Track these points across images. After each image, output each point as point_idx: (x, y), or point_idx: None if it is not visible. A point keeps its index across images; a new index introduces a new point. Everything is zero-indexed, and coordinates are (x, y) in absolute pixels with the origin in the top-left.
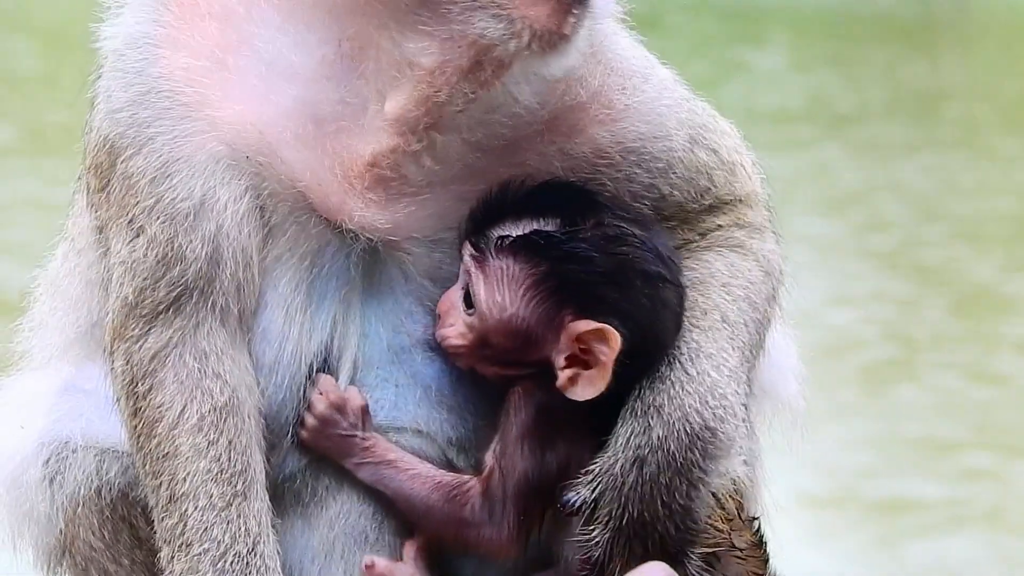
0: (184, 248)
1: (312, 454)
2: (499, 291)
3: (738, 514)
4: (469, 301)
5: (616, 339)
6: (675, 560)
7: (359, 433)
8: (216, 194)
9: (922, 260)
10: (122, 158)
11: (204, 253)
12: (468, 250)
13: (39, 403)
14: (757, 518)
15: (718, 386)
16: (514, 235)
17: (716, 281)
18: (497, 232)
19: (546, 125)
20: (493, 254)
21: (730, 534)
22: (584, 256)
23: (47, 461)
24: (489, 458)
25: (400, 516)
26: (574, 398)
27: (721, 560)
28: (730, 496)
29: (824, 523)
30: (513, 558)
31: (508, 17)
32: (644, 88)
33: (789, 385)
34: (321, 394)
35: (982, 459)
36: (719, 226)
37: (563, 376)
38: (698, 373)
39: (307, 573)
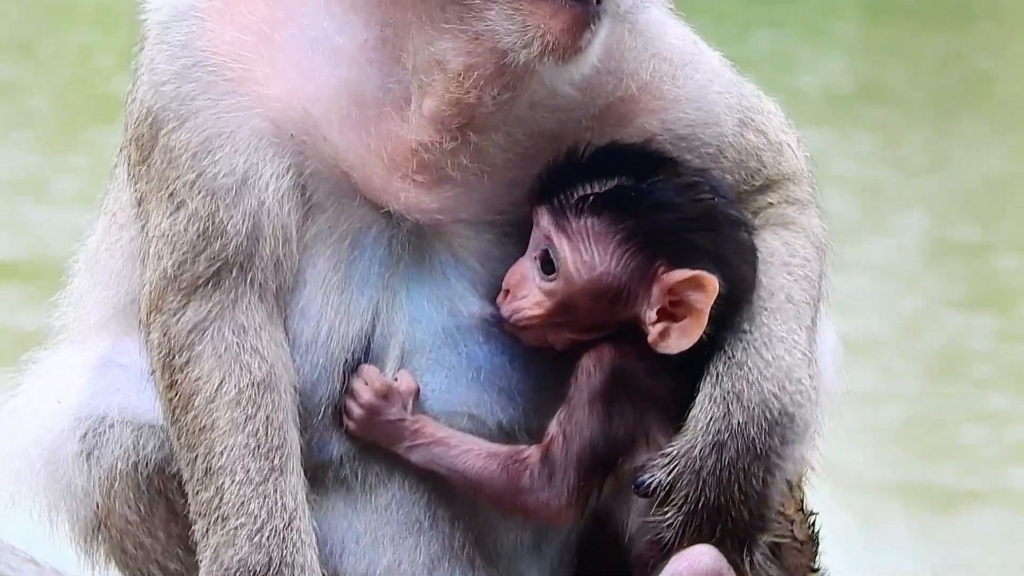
0: (225, 223)
1: (360, 442)
2: (586, 250)
3: (802, 504)
4: (548, 268)
5: (713, 284)
6: (744, 547)
7: (407, 417)
8: (259, 170)
9: None
10: (164, 131)
11: (245, 229)
12: (546, 215)
13: (76, 377)
14: (816, 512)
15: (793, 370)
16: (597, 192)
17: (776, 260)
18: (576, 193)
19: (595, 118)
20: (576, 214)
21: (793, 524)
22: (672, 204)
23: (84, 436)
24: (554, 425)
25: (453, 504)
26: (667, 351)
27: (782, 550)
28: (798, 485)
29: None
30: (569, 525)
31: (523, 24)
32: (694, 76)
33: (827, 366)
34: (366, 384)
35: None
36: (770, 203)
37: (654, 331)
38: (774, 358)
39: (351, 554)
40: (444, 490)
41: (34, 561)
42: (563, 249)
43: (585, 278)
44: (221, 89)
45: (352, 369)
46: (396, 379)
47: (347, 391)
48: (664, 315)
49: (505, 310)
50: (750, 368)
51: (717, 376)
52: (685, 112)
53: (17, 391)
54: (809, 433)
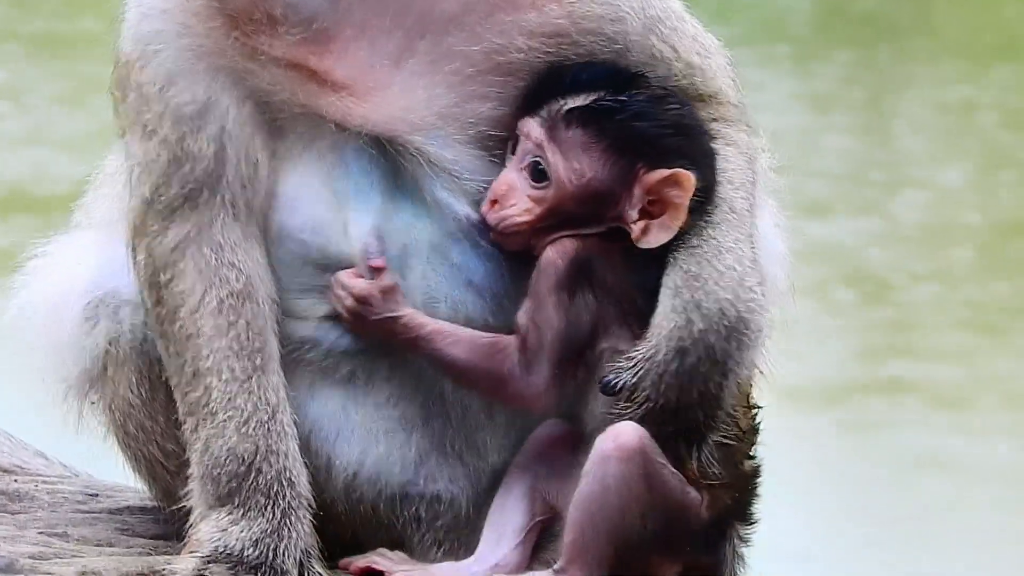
0: (192, 147)
1: (369, 341)
2: (576, 159)
3: (747, 399)
4: (539, 176)
5: (691, 180)
6: (693, 445)
7: (395, 312)
8: (218, 98)
9: None
10: (135, 69)
11: (211, 152)
12: (535, 128)
13: (95, 253)
14: (760, 406)
15: (744, 279)
16: (581, 105)
17: None
18: (563, 107)
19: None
20: (565, 126)
21: (738, 419)
22: (648, 113)
23: (98, 300)
24: (522, 316)
25: (445, 404)
26: (648, 246)
27: (725, 446)
28: (747, 386)
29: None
30: (547, 411)
31: None
32: None
33: (777, 270)
34: (344, 291)
35: None
36: None
37: (636, 228)
38: (725, 268)
39: (345, 442)
40: (439, 390)
41: (43, 455)
42: (555, 159)
43: (575, 184)
44: (172, 31)
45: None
46: (383, 279)
47: (333, 297)
48: (644, 213)
49: (492, 218)
50: (705, 279)
51: (675, 288)
52: (589, 5)
53: (35, 265)
54: (761, 338)
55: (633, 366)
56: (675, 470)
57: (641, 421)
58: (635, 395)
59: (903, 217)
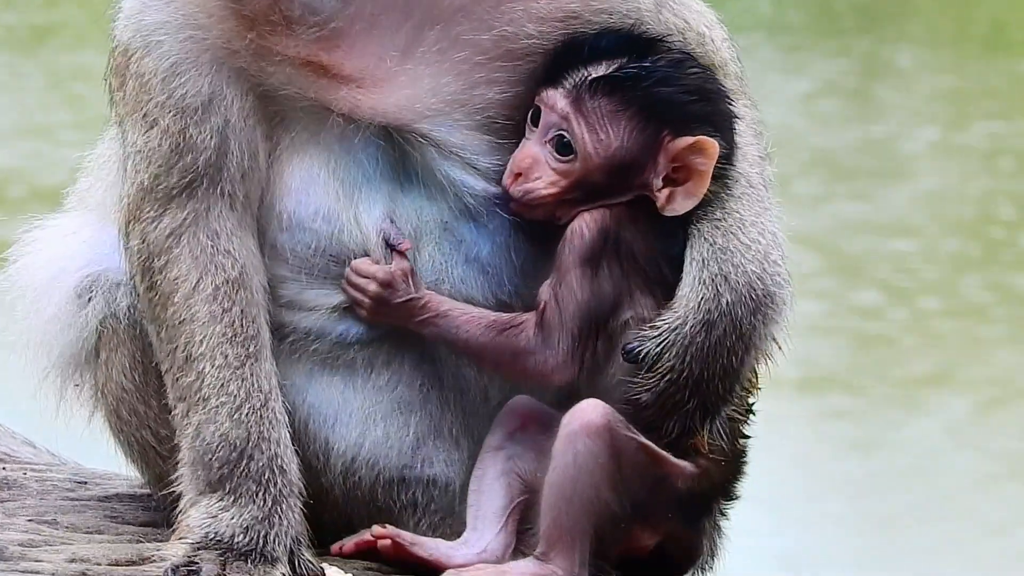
0: (195, 139)
1: (372, 327)
2: (602, 129)
3: (755, 374)
4: (565, 149)
5: (715, 147)
6: (708, 417)
7: (413, 294)
8: (223, 92)
9: None
10: (135, 58)
11: (213, 144)
12: (560, 99)
13: (91, 232)
14: (758, 388)
15: (769, 252)
16: (604, 74)
17: None
18: (585, 77)
19: None
20: (589, 96)
21: (748, 395)
22: (671, 79)
23: (92, 276)
24: (545, 290)
25: (443, 388)
26: (673, 213)
27: (733, 420)
28: (765, 358)
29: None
30: (567, 384)
31: None
32: None
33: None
34: (366, 277)
35: None
36: None
37: (662, 196)
38: (751, 242)
39: (343, 425)
40: (437, 374)
41: (31, 443)
42: (580, 130)
43: (601, 156)
44: (176, 22)
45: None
46: (392, 263)
47: (350, 285)
48: (668, 181)
49: (516, 191)
50: (732, 252)
51: (703, 261)
52: None
53: (29, 244)
54: (784, 313)
55: (657, 335)
56: (646, 440)
57: (662, 392)
58: (658, 365)
59: (890, 206)
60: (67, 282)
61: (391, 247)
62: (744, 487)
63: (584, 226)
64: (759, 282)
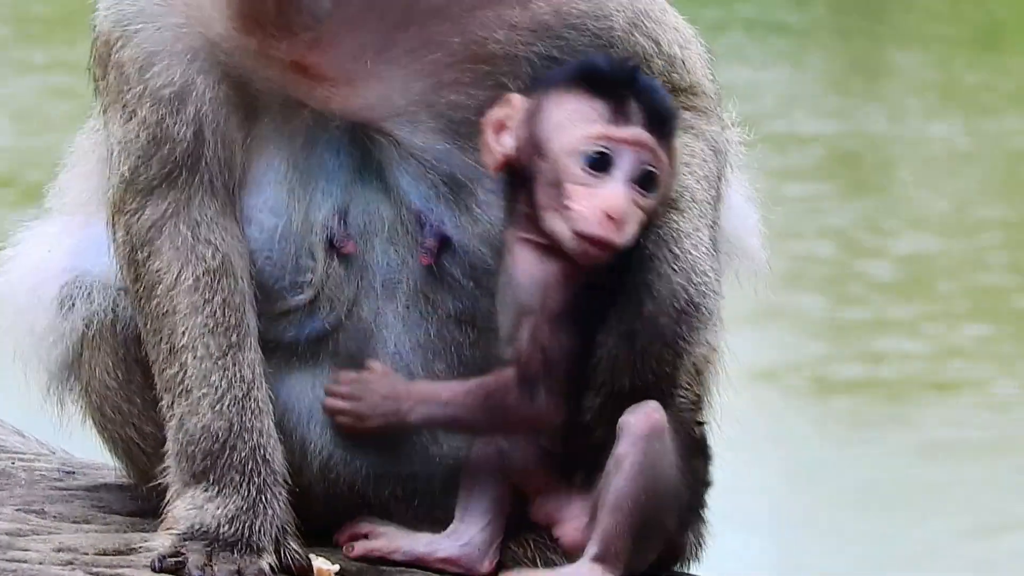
0: (171, 129)
1: (339, 328)
2: (672, 159)
3: (696, 370)
4: (650, 185)
5: None
6: None
7: (392, 391)
8: (195, 81)
9: None
10: (115, 48)
11: (189, 134)
12: (644, 133)
13: (67, 237)
14: (706, 380)
15: (699, 264)
16: (670, 104)
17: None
18: (662, 115)
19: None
20: (663, 129)
21: (691, 390)
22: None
23: (70, 282)
24: (522, 344)
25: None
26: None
27: (682, 413)
28: (703, 364)
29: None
30: (559, 425)
31: None
32: None
33: (753, 240)
34: (334, 396)
35: None
36: None
37: None
38: (681, 252)
39: (317, 423)
40: (410, 369)
41: (20, 432)
42: (662, 165)
43: (665, 193)
44: (153, 12)
45: (324, 250)
46: (369, 369)
47: (330, 412)
48: None
49: (619, 238)
50: (659, 261)
51: (630, 272)
52: (576, 2)
53: (9, 252)
54: (713, 321)
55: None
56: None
57: (601, 406)
58: (591, 382)
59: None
60: (47, 294)
61: (335, 248)
62: (744, 486)
63: (567, 279)
64: (683, 292)
